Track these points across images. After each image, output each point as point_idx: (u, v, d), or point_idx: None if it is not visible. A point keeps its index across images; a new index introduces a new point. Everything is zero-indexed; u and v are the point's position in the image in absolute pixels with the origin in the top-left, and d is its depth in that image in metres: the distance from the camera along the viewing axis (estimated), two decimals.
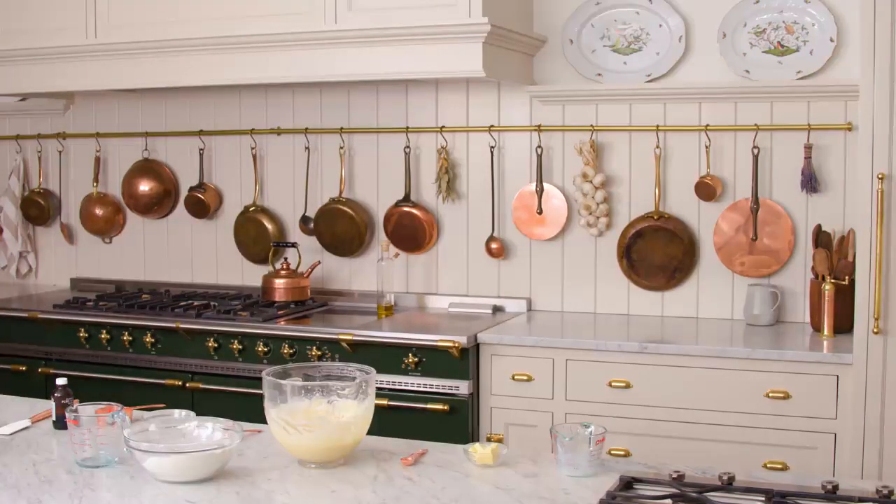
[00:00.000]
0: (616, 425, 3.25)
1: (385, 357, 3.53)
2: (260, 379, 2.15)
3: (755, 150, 3.66)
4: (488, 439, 3.43)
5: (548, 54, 3.93)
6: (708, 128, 3.72)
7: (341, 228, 4.22)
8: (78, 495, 1.92)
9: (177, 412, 2.22)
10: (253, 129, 4.36)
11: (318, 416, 2.07)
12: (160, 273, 4.60)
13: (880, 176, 3.04)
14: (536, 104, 3.95)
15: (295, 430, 2.05)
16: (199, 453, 1.97)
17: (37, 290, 4.67)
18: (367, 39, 3.56)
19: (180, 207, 4.53)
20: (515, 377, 3.48)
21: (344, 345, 3.59)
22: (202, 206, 4.44)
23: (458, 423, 3.46)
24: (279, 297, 4.06)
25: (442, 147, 4.06)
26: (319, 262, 4.22)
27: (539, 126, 3.93)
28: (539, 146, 3.93)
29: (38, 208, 4.74)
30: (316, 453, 2.07)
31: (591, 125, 3.86)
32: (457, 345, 3.44)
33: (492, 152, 4.01)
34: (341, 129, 4.21)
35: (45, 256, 4.85)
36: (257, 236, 4.38)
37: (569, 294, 3.98)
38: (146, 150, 4.57)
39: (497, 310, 3.99)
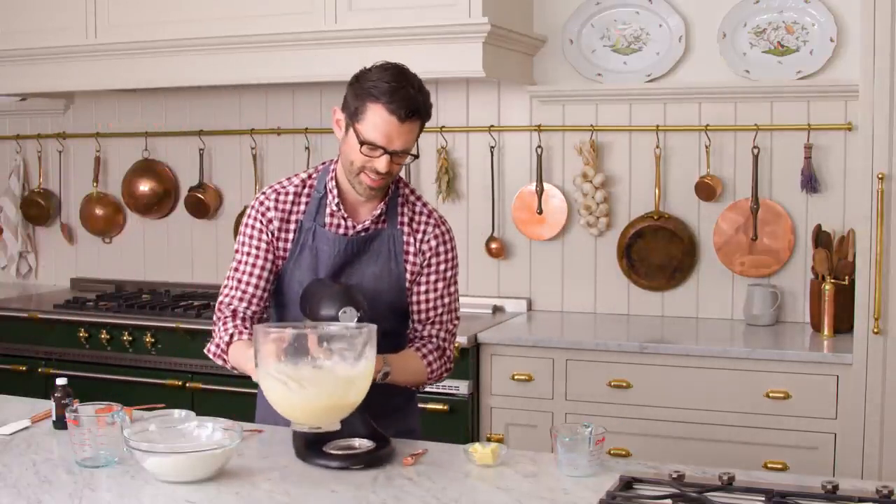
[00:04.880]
0: (616, 425, 3.25)
1: None
2: None
3: (755, 150, 3.66)
4: (488, 439, 3.43)
5: (548, 54, 3.93)
6: (708, 128, 3.72)
7: None
8: (78, 495, 1.91)
9: (177, 412, 2.22)
10: (253, 129, 4.35)
11: (321, 371, 1.96)
12: (160, 273, 4.60)
13: (880, 176, 3.04)
14: (536, 104, 3.95)
15: (297, 384, 1.94)
16: (199, 453, 1.97)
17: (37, 290, 4.66)
18: (367, 39, 3.56)
19: (180, 207, 4.53)
20: (515, 377, 3.48)
21: None
22: (202, 206, 4.43)
23: (458, 423, 3.46)
24: None
25: (442, 147, 4.05)
26: None
27: (539, 126, 3.93)
28: (539, 146, 3.93)
29: (38, 208, 4.73)
30: (317, 413, 1.97)
31: (591, 125, 3.86)
32: (456, 345, 3.43)
33: (492, 152, 4.01)
34: None
35: (45, 256, 4.85)
36: None
37: (569, 294, 3.98)
38: (146, 150, 4.56)
39: (497, 310, 3.98)
